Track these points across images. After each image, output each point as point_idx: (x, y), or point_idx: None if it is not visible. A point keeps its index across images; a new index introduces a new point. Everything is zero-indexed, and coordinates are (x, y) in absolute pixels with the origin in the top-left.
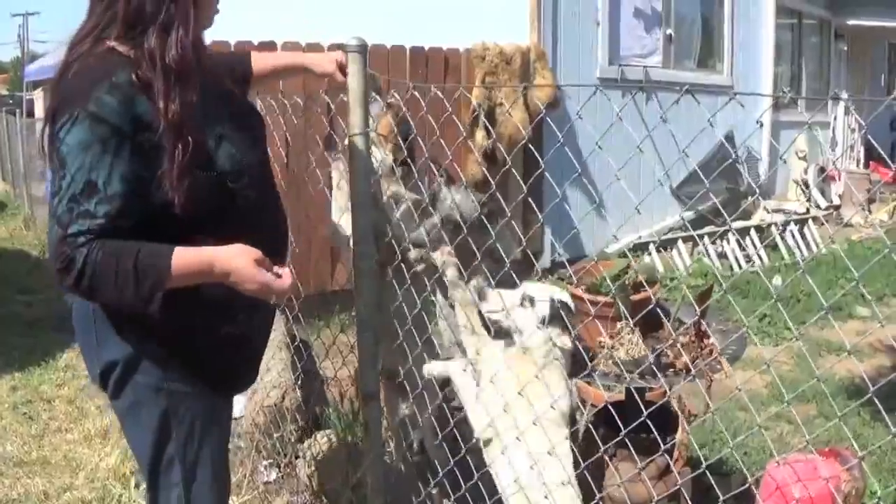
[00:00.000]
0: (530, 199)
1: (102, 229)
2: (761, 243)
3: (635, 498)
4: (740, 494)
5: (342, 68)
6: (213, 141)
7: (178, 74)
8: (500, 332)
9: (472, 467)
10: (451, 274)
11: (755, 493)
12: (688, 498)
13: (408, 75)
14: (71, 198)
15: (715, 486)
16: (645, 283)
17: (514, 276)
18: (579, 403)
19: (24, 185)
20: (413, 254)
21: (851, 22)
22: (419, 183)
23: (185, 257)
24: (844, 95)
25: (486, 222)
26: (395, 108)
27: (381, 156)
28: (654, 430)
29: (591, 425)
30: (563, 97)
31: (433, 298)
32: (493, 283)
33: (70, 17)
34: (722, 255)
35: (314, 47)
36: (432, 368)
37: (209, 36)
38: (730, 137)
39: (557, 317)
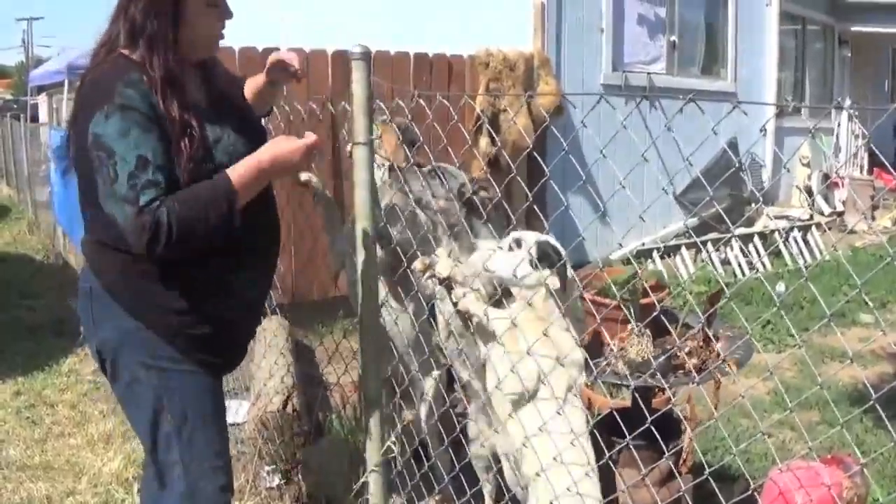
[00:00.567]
0: (534, 206)
1: (166, 190)
2: (765, 250)
3: (639, 503)
4: (743, 501)
5: (282, 64)
6: (213, 138)
7: (168, 82)
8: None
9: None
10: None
11: (758, 500)
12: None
13: (412, 82)
14: (129, 175)
15: (717, 492)
16: (655, 288)
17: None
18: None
19: (28, 189)
20: (417, 264)
21: (855, 28)
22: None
23: (237, 170)
24: (848, 102)
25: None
26: (399, 121)
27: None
28: (658, 437)
29: (596, 431)
30: (566, 104)
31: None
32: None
33: (74, 23)
34: (725, 262)
35: (318, 53)
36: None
37: None
38: (733, 144)
39: (546, 257)
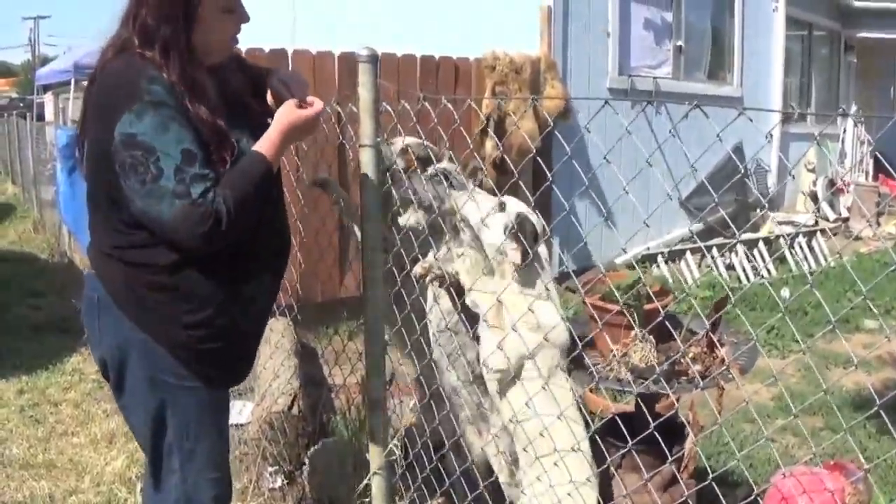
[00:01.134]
0: (538, 210)
1: (216, 180)
2: (770, 256)
3: None
4: None
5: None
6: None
7: (190, 87)
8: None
9: (479, 476)
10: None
11: None
12: None
13: (418, 84)
14: (176, 170)
15: (721, 497)
16: (659, 293)
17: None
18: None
19: (34, 188)
20: (417, 268)
21: (861, 34)
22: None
23: (263, 146)
24: (853, 108)
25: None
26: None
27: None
28: (661, 441)
29: (598, 435)
30: (572, 107)
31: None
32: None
33: (81, 21)
34: (730, 267)
35: (325, 55)
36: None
37: None
38: (739, 149)
39: (521, 230)
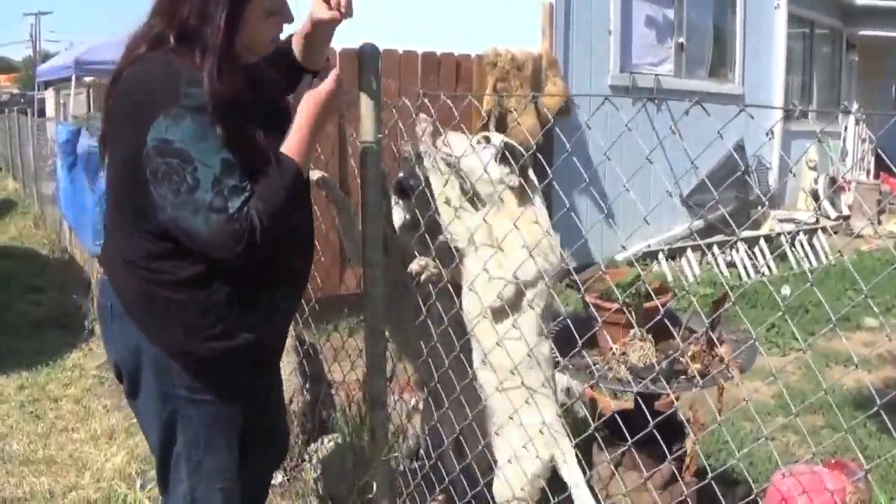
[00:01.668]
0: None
1: (252, 192)
2: (770, 253)
3: None
4: None
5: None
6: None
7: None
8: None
9: (479, 476)
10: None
11: None
12: None
13: (419, 81)
14: (214, 182)
15: (720, 496)
16: (658, 291)
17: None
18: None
19: (35, 184)
20: (414, 266)
21: (863, 32)
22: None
23: (292, 145)
24: (855, 106)
25: None
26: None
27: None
28: (660, 439)
29: (597, 433)
30: (573, 105)
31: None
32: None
33: (82, 18)
34: (731, 265)
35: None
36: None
37: None
38: (740, 146)
39: (511, 157)
